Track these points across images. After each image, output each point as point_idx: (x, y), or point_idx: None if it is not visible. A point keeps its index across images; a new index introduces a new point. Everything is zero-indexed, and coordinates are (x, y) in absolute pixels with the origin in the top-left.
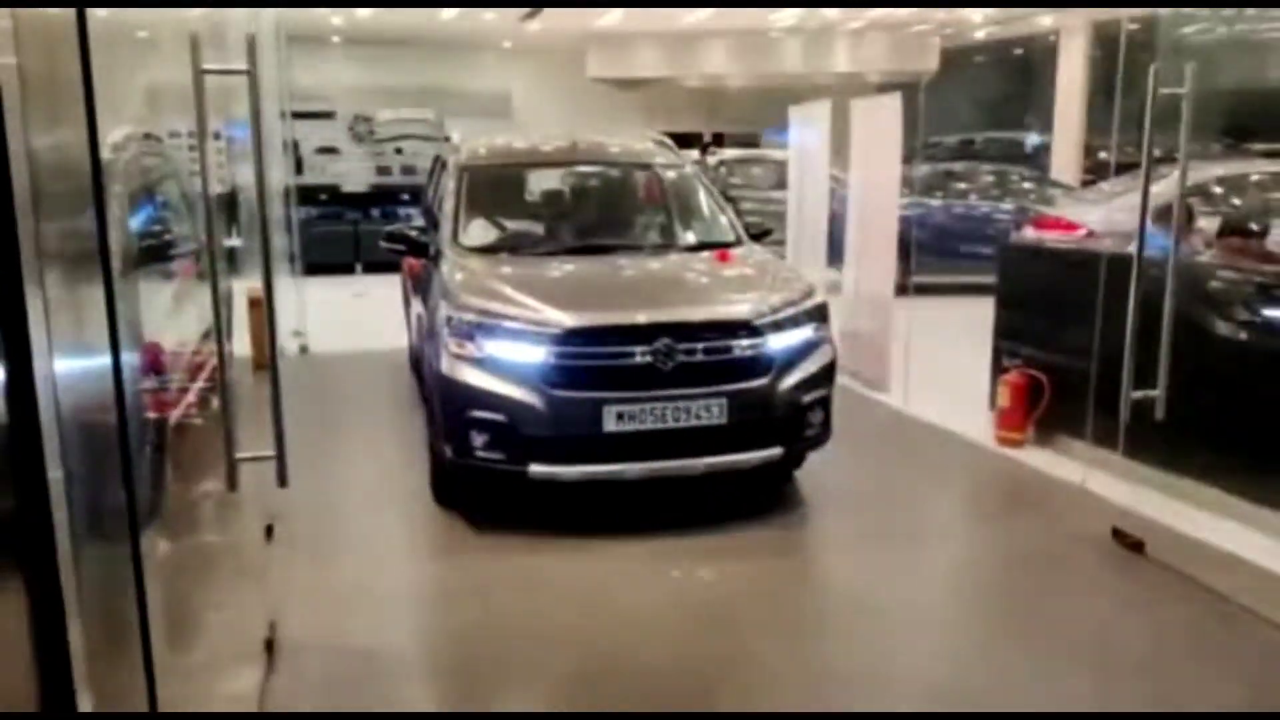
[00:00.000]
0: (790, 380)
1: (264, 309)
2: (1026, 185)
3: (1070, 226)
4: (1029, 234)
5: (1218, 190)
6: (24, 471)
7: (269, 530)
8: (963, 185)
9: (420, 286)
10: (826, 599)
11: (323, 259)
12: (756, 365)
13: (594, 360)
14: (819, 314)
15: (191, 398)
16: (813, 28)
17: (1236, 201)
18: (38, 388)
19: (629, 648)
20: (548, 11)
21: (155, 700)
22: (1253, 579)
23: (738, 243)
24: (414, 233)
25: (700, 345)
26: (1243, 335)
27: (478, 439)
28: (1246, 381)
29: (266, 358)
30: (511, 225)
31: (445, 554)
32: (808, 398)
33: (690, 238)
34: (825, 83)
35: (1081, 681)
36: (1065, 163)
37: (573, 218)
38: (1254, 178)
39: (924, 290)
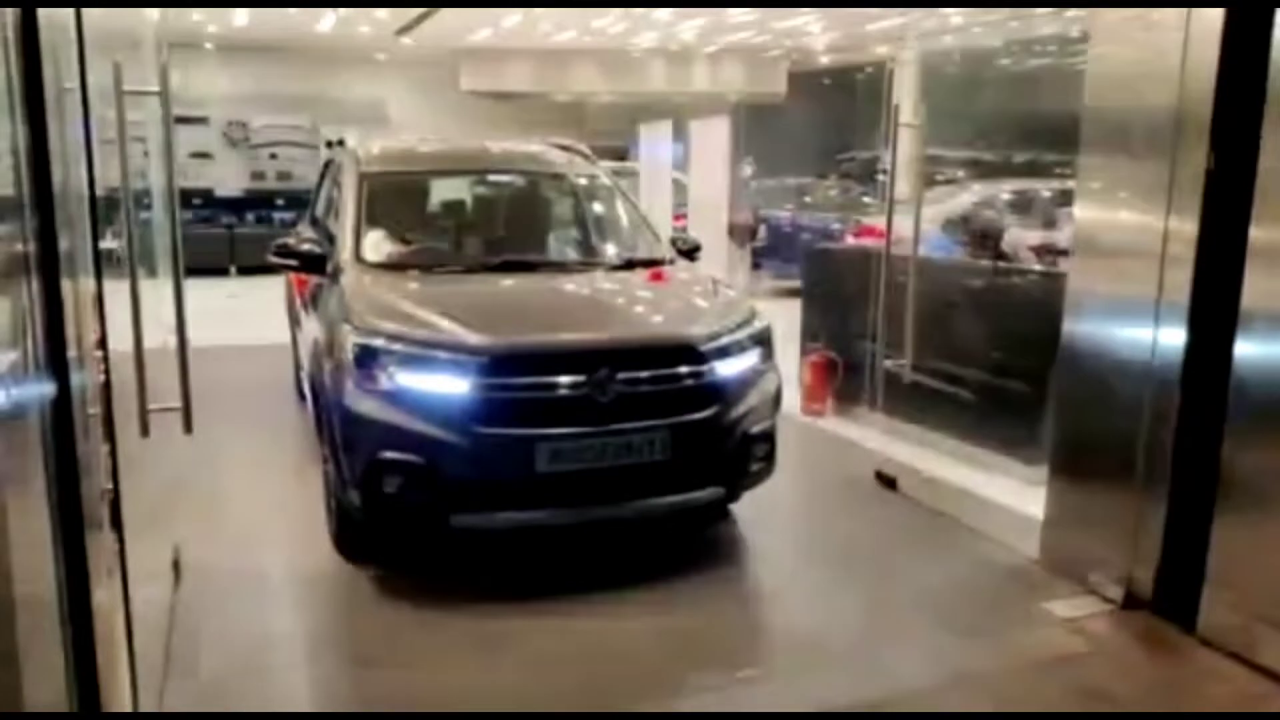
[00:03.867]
0: (737, 411)
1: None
2: (866, 199)
3: (876, 232)
4: (850, 240)
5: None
6: None
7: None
8: (808, 199)
9: (314, 306)
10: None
11: (197, 262)
12: (702, 395)
13: (525, 392)
14: (764, 338)
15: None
16: (673, 50)
17: (990, 213)
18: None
19: None
20: (422, 26)
21: (90, 602)
22: (965, 500)
23: (669, 260)
24: (307, 245)
25: (642, 374)
26: (974, 313)
27: (391, 484)
28: (975, 350)
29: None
30: (419, 239)
31: (349, 622)
32: (754, 430)
33: (617, 254)
34: (685, 101)
35: (833, 568)
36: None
37: (488, 231)
38: (1004, 196)
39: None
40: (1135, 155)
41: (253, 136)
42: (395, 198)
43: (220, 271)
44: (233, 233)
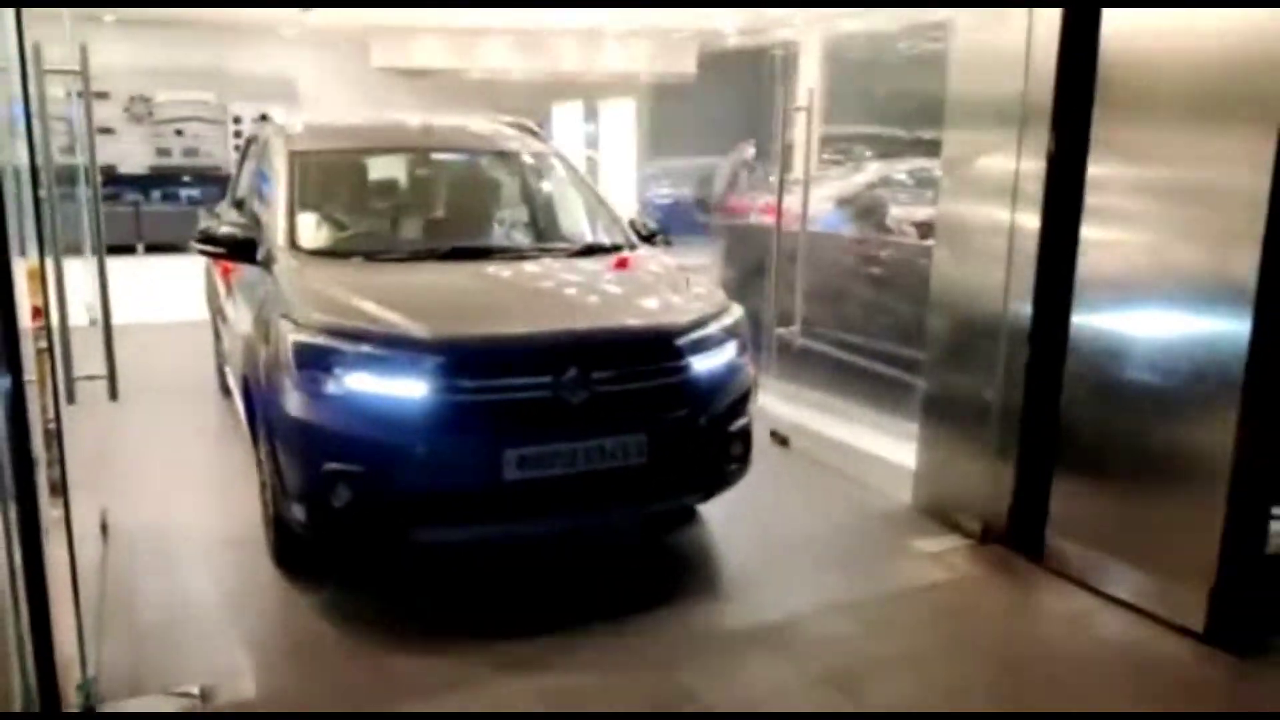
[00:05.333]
0: (715, 409)
1: (98, 267)
2: (771, 179)
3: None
4: (753, 217)
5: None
6: None
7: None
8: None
9: (242, 297)
10: None
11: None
12: (681, 393)
13: (489, 394)
14: (739, 330)
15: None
16: (584, 29)
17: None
18: None
19: None
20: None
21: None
22: (849, 455)
23: (630, 246)
24: (233, 230)
25: (617, 371)
26: (859, 284)
27: (340, 498)
28: (858, 318)
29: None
30: (360, 224)
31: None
32: (733, 428)
33: (576, 240)
34: (597, 81)
35: (727, 515)
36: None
37: (435, 215)
38: (898, 176)
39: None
40: (988, 138)
41: (156, 112)
42: (331, 178)
43: (128, 250)
44: (139, 210)
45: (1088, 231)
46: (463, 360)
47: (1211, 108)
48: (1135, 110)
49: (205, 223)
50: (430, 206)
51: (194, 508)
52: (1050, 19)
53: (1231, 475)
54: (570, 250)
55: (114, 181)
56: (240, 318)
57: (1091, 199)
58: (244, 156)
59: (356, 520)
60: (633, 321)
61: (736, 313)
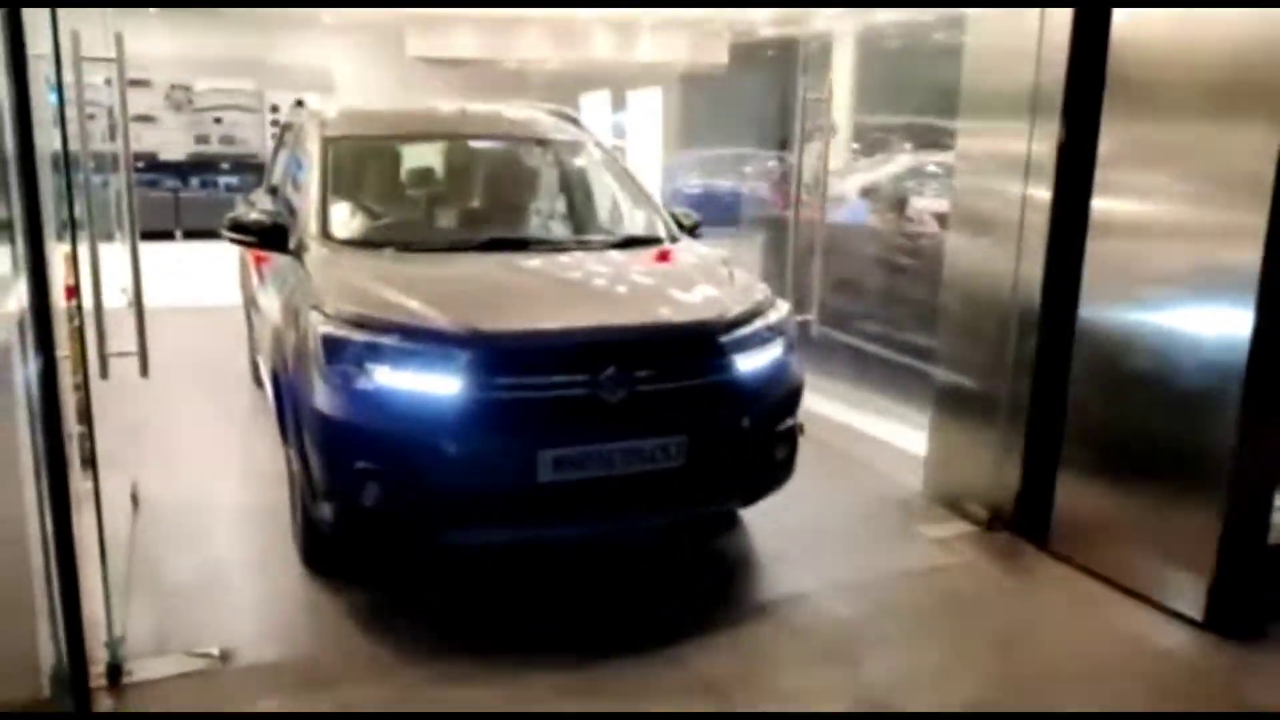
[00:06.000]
0: (759, 410)
1: (131, 247)
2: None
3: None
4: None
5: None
6: None
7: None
8: (747, 169)
9: (274, 287)
10: None
11: (143, 226)
12: (723, 393)
13: (526, 391)
14: (785, 326)
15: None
16: (618, 20)
17: (909, 183)
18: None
19: None
20: None
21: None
22: (864, 442)
23: (672, 238)
24: (263, 218)
25: (657, 369)
26: (879, 274)
27: (370, 496)
28: (876, 307)
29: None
30: (393, 213)
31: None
32: (777, 430)
33: (615, 231)
34: (629, 70)
35: None
36: (839, 147)
37: (471, 205)
38: (929, 168)
39: None
40: (1001, 128)
41: (196, 100)
42: (365, 166)
43: (166, 235)
44: (178, 197)
45: (1095, 222)
46: (498, 356)
47: (1219, 102)
48: (1144, 104)
49: (236, 210)
50: (466, 196)
51: (223, 486)
52: (1062, 14)
53: (1233, 466)
54: (610, 242)
55: (154, 168)
56: (271, 308)
57: (1100, 192)
58: (280, 143)
59: (386, 520)
60: (673, 318)
61: (783, 309)
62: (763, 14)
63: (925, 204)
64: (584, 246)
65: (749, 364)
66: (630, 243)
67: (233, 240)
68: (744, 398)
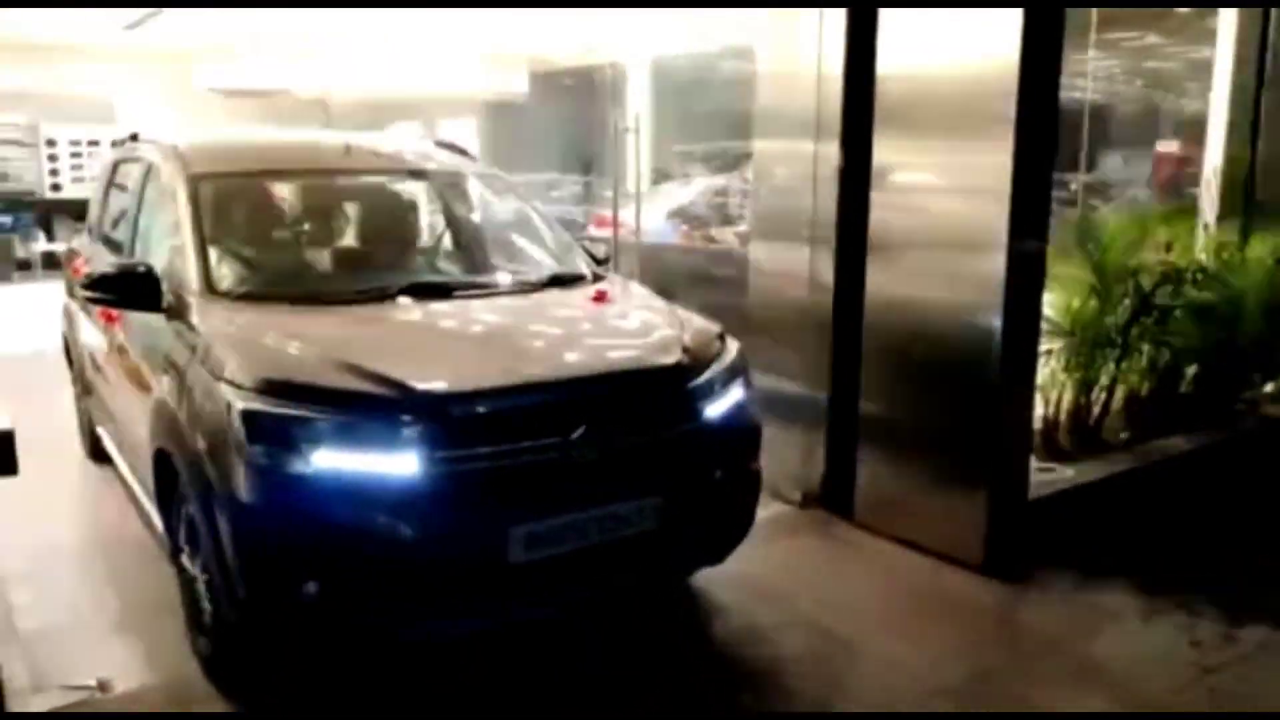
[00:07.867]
0: (730, 457)
1: None
2: (607, 193)
3: (605, 222)
4: (591, 229)
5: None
6: None
7: None
8: (555, 194)
9: (139, 353)
10: None
11: None
12: (696, 442)
13: (491, 460)
14: (742, 368)
15: None
16: (415, 48)
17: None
18: None
19: None
20: (149, 22)
21: None
22: None
23: (595, 275)
24: (133, 269)
25: (631, 422)
26: (692, 284)
27: (309, 596)
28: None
29: None
30: (287, 261)
31: None
32: (746, 477)
33: (540, 270)
34: (431, 99)
35: None
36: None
37: (375, 248)
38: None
39: None
40: (789, 150)
41: None
42: (246, 207)
43: None
44: None
45: (873, 231)
46: (458, 422)
47: (963, 126)
48: (907, 126)
49: (89, 266)
50: (369, 238)
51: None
52: (838, 42)
53: (994, 437)
54: (538, 283)
55: None
56: (141, 376)
57: (875, 206)
58: (109, 184)
59: (330, 622)
60: (642, 363)
61: (734, 347)
62: (557, 46)
63: (725, 223)
64: (513, 290)
65: (717, 409)
66: (558, 281)
67: (93, 300)
68: (715, 446)
